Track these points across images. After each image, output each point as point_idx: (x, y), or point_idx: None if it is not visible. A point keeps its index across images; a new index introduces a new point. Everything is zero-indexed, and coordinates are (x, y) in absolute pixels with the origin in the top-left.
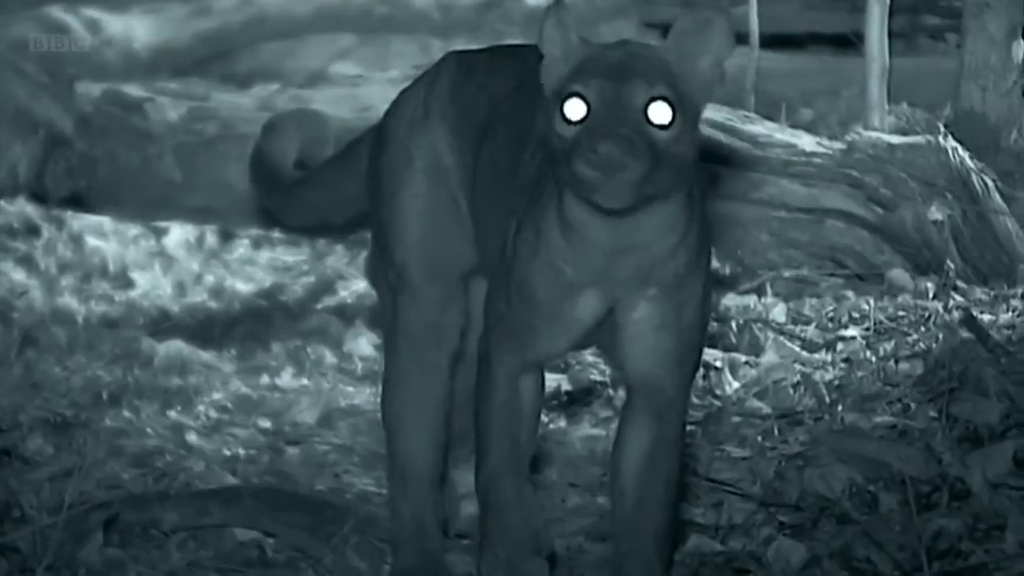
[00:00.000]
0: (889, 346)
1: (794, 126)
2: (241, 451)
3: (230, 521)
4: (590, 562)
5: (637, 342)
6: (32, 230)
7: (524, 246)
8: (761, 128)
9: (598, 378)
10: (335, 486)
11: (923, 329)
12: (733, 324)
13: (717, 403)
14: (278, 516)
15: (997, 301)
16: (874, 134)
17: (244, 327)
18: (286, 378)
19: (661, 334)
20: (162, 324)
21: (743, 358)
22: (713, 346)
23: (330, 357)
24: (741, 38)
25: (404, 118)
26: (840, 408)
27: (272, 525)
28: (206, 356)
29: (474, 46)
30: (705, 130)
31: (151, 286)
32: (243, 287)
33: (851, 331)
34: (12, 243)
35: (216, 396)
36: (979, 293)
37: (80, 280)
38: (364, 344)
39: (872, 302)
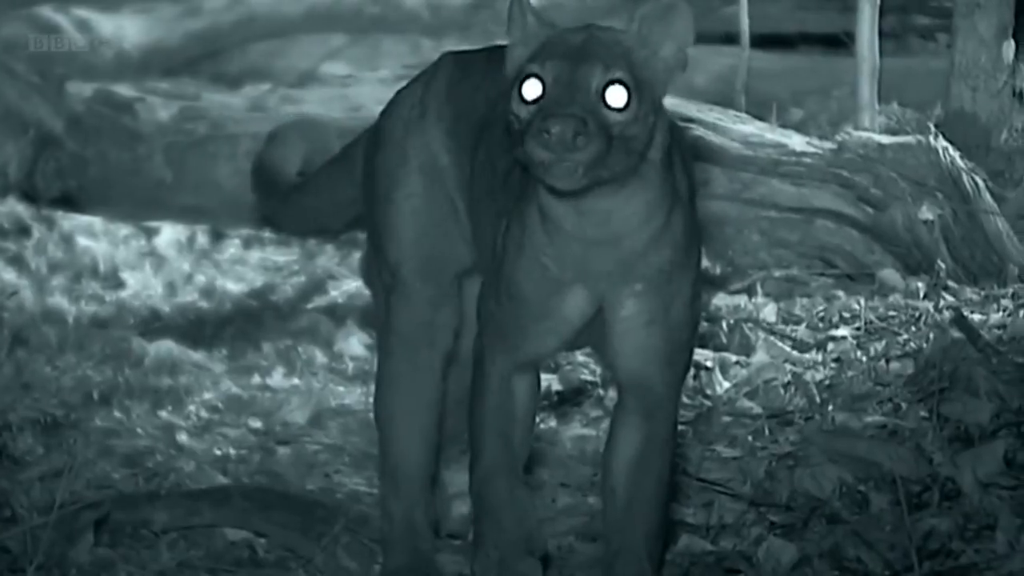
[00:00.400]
0: (880, 346)
1: (784, 126)
2: (232, 451)
3: (220, 521)
4: (581, 562)
5: (626, 339)
6: (22, 230)
7: (511, 243)
8: (751, 128)
9: (589, 378)
10: (326, 486)
11: (914, 329)
12: (723, 324)
13: (708, 403)
14: (269, 516)
15: (987, 301)
16: (864, 134)
17: (235, 327)
18: (277, 378)
19: (650, 331)
20: (152, 324)
21: (734, 358)
22: (704, 346)
23: (321, 357)
24: (732, 38)
25: (400, 118)
26: (831, 408)
27: (263, 525)
28: (197, 356)
29: (465, 46)
30: (696, 130)
31: (141, 286)
32: (234, 287)
33: (842, 331)
34: (2, 243)
35: (207, 396)
36: (969, 293)
37: (71, 280)
38: (355, 344)
39: (863, 302)
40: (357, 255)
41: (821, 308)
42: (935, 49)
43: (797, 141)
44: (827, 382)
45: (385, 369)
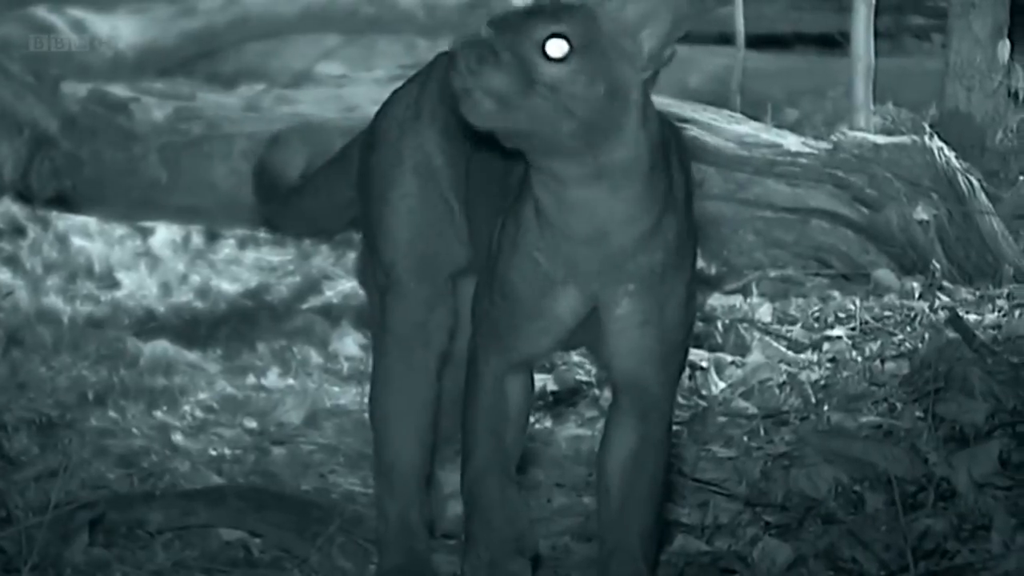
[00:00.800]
0: (875, 346)
1: (779, 126)
2: (227, 451)
3: (216, 521)
4: (576, 562)
5: (621, 339)
6: (17, 230)
7: (506, 241)
8: (747, 128)
9: (584, 378)
10: (321, 486)
11: (909, 329)
12: (719, 324)
13: (703, 403)
14: (264, 516)
15: (983, 301)
16: (860, 134)
17: (230, 327)
18: (272, 378)
19: (645, 331)
20: (148, 324)
21: (729, 358)
22: (699, 346)
23: (316, 357)
24: (727, 38)
25: (395, 118)
26: (826, 408)
27: (258, 525)
28: (192, 356)
29: None
30: (691, 130)
31: (136, 286)
32: (229, 287)
33: (837, 331)
34: None
35: (202, 396)
36: (965, 293)
37: (66, 280)
38: (350, 344)
39: (858, 302)
40: (352, 255)
41: (816, 308)
42: (930, 49)
43: (792, 141)
44: (822, 382)
45: (380, 369)
